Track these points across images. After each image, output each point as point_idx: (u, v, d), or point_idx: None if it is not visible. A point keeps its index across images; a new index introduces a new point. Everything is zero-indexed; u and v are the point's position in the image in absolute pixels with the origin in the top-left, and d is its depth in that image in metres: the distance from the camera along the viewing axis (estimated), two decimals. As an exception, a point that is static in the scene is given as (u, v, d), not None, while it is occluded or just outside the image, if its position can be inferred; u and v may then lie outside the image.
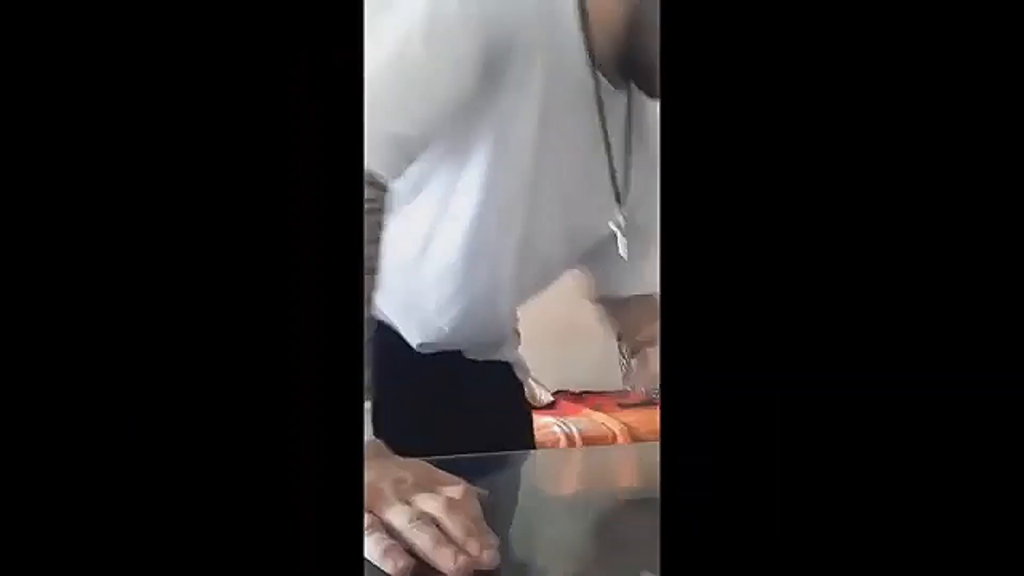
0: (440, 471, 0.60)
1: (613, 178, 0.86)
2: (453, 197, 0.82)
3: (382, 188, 0.71)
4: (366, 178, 0.68)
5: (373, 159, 0.68)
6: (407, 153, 0.74)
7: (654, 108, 0.89)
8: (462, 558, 0.49)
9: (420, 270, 0.87)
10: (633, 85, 0.85)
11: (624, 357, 1.02)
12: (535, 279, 0.94)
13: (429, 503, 0.53)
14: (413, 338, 0.93)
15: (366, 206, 0.67)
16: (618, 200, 0.87)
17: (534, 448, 1.13)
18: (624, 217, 0.88)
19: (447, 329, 0.91)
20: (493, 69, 0.74)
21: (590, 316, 1.07)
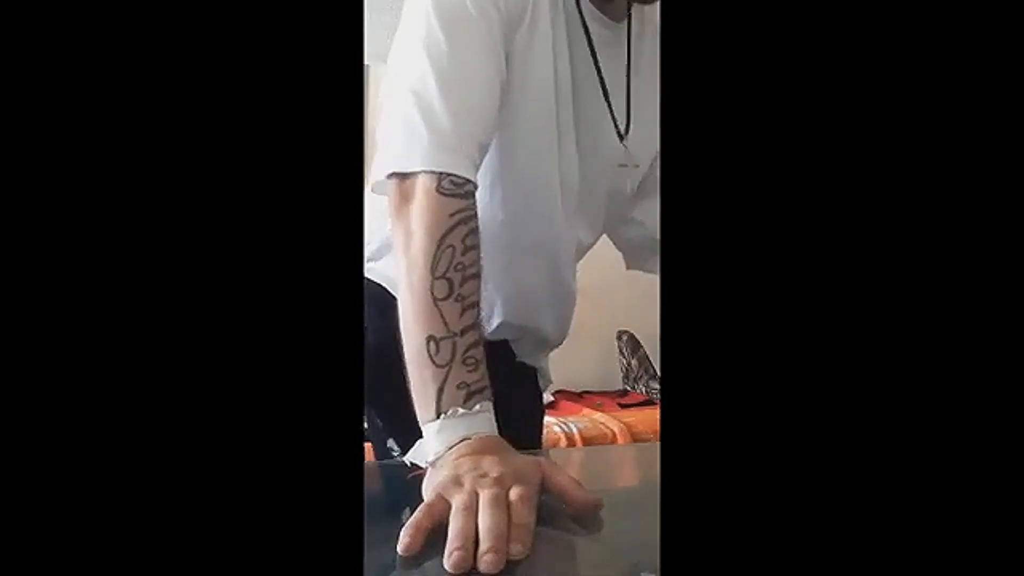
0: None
1: (610, 106, 0.87)
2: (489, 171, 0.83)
3: (472, 194, 0.72)
4: (463, 188, 0.71)
5: (463, 165, 0.71)
6: (483, 152, 0.76)
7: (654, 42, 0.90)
8: (458, 554, 0.50)
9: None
10: (632, 11, 0.87)
11: (624, 356, 1.02)
12: (588, 234, 0.96)
13: (484, 496, 0.55)
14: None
15: (461, 215, 0.69)
16: (620, 137, 0.89)
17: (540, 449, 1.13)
18: (626, 143, 0.89)
19: (500, 303, 0.90)
20: (509, 45, 0.78)
21: (590, 316, 1.07)
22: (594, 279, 1.05)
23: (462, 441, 0.62)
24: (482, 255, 0.72)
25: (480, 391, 0.65)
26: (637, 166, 0.93)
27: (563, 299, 0.98)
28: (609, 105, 0.87)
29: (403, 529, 0.53)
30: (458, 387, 0.64)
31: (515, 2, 0.77)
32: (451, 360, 0.65)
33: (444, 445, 0.62)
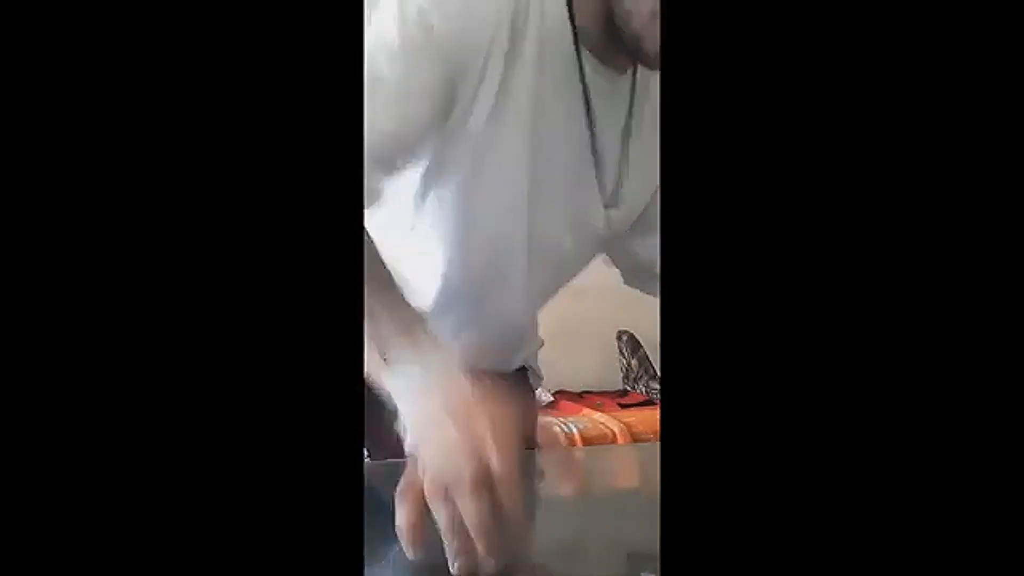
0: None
1: (598, 169, 0.82)
2: (442, 211, 0.80)
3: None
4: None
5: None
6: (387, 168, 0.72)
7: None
8: (461, 558, 0.50)
9: (428, 289, 0.84)
10: (638, 65, 0.80)
11: (624, 356, 1.02)
12: (551, 278, 0.91)
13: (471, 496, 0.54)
14: None
15: None
16: (603, 193, 0.84)
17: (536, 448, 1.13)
18: (611, 212, 0.85)
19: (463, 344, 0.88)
20: (463, 81, 0.72)
21: (590, 316, 1.07)
22: (594, 279, 1.04)
23: None
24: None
25: None
26: (612, 236, 0.88)
27: (526, 342, 0.98)
28: (597, 169, 0.82)
29: (402, 530, 0.53)
30: None
31: (466, 46, 0.70)
32: None
33: None
